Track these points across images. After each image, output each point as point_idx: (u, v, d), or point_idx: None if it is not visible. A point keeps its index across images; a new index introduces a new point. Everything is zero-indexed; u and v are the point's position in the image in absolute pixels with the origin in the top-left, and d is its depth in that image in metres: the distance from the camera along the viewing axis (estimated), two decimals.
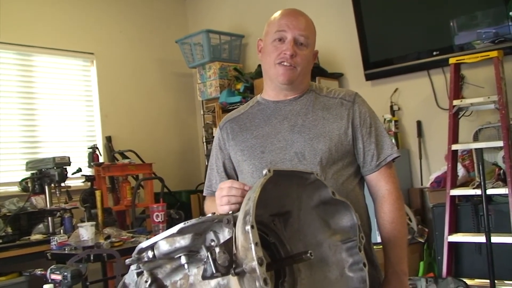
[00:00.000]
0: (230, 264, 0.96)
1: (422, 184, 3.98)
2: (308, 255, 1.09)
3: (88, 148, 4.34)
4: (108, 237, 3.19)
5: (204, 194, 1.77)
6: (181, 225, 1.04)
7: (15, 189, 3.96)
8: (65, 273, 1.90)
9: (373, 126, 1.60)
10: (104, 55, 4.85)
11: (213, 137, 1.95)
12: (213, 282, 1.03)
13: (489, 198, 3.14)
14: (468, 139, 3.57)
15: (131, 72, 5.06)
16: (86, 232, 3.11)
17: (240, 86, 4.57)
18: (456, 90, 3.51)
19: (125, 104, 4.95)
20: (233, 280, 0.98)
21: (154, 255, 1.09)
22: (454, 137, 3.44)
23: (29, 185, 3.76)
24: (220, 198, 1.32)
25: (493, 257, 2.87)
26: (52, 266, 1.99)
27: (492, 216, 3.14)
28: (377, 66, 4.13)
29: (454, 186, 3.39)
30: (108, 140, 4.72)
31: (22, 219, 3.62)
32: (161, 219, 3.33)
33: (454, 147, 3.43)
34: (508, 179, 3.11)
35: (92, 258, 2.83)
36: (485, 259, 2.93)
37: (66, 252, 3.02)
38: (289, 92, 1.63)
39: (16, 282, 3.46)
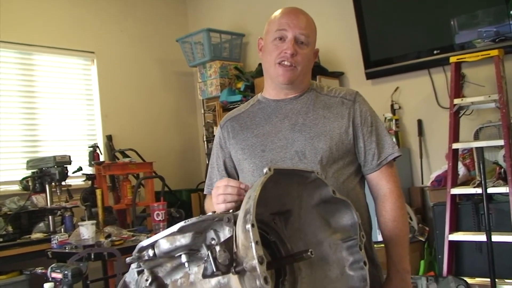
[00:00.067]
0: (230, 262, 0.96)
1: (422, 183, 3.98)
2: (309, 253, 1.10)
3: (89, 147, 4.34)
4: (108, 235, 3.19)
5: (204, 192, 1.78)
6: (181, 223, 1.04)
7: (16, 187, 3.97)
8: (66, 272, 1.90)
9: (374, 125, 1.60)
10: (104, 54, 4.85)
11: (214, 136, 1.95)
12: (214, 280, 1.03)
13: (490, 197, 3.14)
14: (468, 138, 3.57)
15: (131, 71, 5.06)
16: (86, 230, 3.11)
17: (240, 85, 4.57)
18: (457, 89, 3.50)
19: (126, 103, 4.96)
20: (233, 278, 0.98)
21: (154, 254, 1.09)
22: (454, 136, 3.44)
23: (30, 184, 3.76)
24: (216, 197, 1.34)
25: (493, 256, 2.87)
26: (52, 265, 1.99)
27: (492, 215, 3.14)
28: (378, 65, 4.13)
29: (454, 185, 3.39)
30: (109, 138, 4.72)
31: (23, 218, 3.63)
32: (162, 217, 3.33)
33: (455, 146, 3.42)
34: (509, 178, 3.11)
35: (92, 256, 2.82)
36: (486, 258, 2.93)
37: (66, 250, 3.02)
38: (289, 91, 1.62)
39: (17, 281, 3.47)
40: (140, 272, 1.18)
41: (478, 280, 3.16)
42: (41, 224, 3.66)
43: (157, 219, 3.33)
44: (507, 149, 3.15)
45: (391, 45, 4.11)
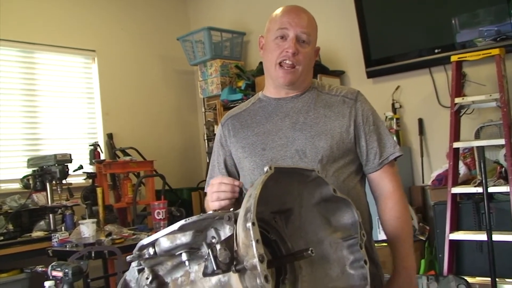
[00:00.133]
0: (231, 261, 0.96)
1: (423, 182, 3.98)
2: (309, 252, 1.09)
3: (90, 145, 4.34)
4: (109, 234, 3.19)
5: (205, 191, 1.77)
6: (182, 222, 1.04)
7: (17, 186, 3.97)
8: (66, 270, 1.90)
9: (375, 125, 1.60)
10: (105, 53, 4.85)
11: (214, 134, 1.95)
12: (214, 279, 1.03)
13: (491, 196, 3.14)
14: (469, 137, 3.57)
15: (132, 69, 5.06)
16: (87, 229, 3.11)
17: (241, 84, 4.57)
18: (458, 88, 3.50)
19: (127, 101, 4.96)
20: (234, 277, 0.98)
21: (155, 252, 1.09)
22: (455, 135, 3.44)
23: (31, 182, 3.76)
24: (210, 194, 1.35)
25: (494, 255, 2.87)
26: (53, 263, 1.99)
27: (493, 214, 3.14)
28: (379, 63, 4.13)
29: (455, 184, 3.39)
30: (110, 137, 4.73)
31: (24, 216, 3.63)
32: (162, 216, 3.33)
33: (456, 145, 3.42)
34: (510, 177, 3.10)
35: (93, 255, 2.83)
36: (486, 257, 2.93)
37: (67, 249, 3.02)
38: (290, 89, 1.62)
39: (17, 279, 3.48)
40: (140, 271, 1.18)
41: (478, 279, 3.16)
42: (42, 223, 3.66)
43: (157, 217, 3.33)
44: (508, 148, 3.15)
45: (392, 44, 4.10)
